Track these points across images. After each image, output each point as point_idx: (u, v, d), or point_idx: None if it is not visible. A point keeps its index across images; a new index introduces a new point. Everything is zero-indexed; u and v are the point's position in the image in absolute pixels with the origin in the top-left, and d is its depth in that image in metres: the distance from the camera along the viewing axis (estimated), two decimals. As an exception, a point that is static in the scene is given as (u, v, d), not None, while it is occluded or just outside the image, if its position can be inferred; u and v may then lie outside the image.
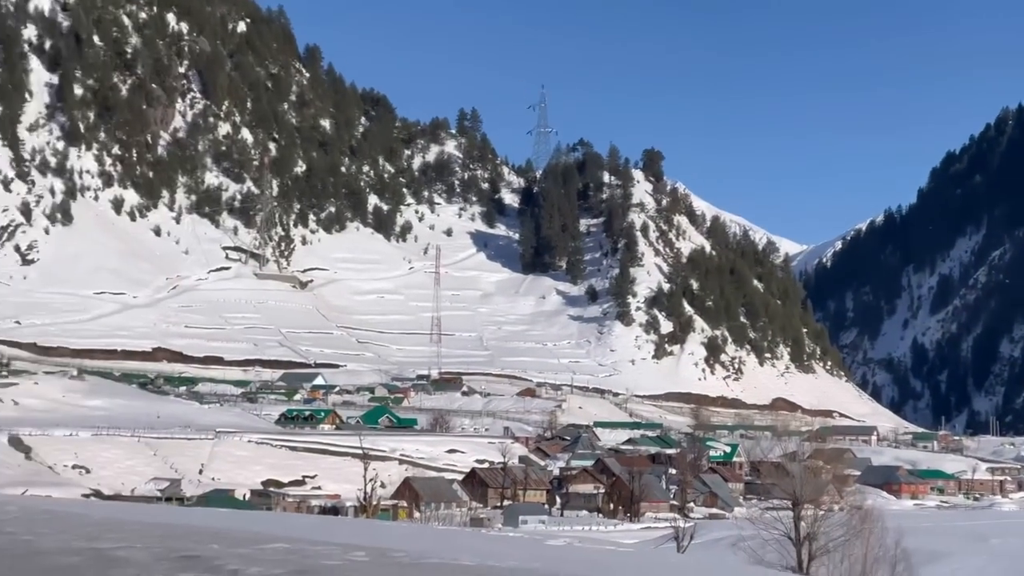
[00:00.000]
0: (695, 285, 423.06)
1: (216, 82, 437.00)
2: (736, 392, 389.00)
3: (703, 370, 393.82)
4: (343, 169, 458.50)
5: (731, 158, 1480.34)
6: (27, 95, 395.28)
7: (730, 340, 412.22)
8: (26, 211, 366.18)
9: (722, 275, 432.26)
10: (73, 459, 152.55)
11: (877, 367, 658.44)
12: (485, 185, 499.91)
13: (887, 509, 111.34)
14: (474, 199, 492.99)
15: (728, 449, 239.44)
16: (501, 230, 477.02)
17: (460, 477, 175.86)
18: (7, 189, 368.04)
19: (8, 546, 13.94)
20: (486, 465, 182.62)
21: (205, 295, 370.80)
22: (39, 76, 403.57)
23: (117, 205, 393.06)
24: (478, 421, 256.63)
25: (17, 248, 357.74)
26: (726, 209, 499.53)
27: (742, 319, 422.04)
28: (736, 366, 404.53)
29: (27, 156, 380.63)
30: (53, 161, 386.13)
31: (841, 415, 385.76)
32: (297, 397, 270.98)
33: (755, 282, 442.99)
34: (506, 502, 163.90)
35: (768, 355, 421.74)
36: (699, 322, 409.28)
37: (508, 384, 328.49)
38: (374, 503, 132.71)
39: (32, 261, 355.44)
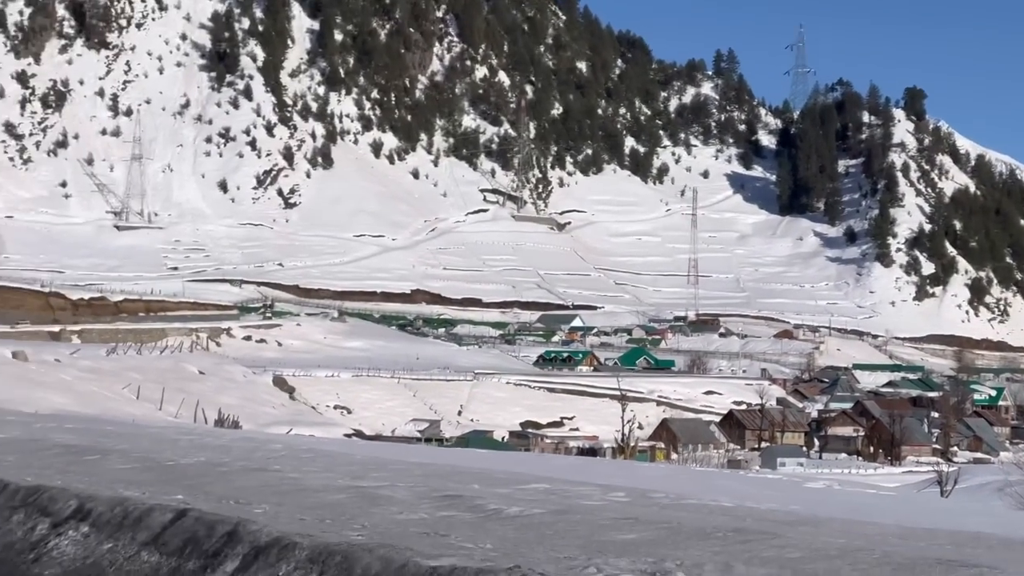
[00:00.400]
0: (958, 226, 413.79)
1: (473, 26, 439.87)
2: (1002, 334, 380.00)
3: (967, 312, 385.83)
4: (599, 111, 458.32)
5: (998, 96, 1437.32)
6: (289, 42, 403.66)
7: (995, 282, 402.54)
8: (288, 155, 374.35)
9: (987, 215, 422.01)
10: (335, 399, 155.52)
11: None
12: (742, 127, 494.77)
13: None
14: (731, 141, 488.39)
15: (993, 393, 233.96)
16: (758, 172, 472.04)
17: (717, 419, 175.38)
18: (270, 134, 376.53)
19: (275, 483, 14.20)
20: (743, 407, 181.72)
21: (463, 237, 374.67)
22: (301, 23, 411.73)
23: (376, 148, 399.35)
24: (735, 362, 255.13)
25: (280, 192, 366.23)
26: (992, 148, 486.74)
27: (1008, 260, 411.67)
28: (1002, 308, 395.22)
29: (289, 101, 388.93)
30: (314, 106, 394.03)
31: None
32: (555, 339, 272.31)
33: (1023, 222, 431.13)
34: (763, 444, 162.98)
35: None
36: (962, 263, 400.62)
37: (765, 326, 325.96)
38: (632, 444, 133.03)
39: (294, 204, 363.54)
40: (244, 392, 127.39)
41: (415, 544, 9.73)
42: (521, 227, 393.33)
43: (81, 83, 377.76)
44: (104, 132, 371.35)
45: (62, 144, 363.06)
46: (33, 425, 25.74)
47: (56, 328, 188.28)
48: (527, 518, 11.45)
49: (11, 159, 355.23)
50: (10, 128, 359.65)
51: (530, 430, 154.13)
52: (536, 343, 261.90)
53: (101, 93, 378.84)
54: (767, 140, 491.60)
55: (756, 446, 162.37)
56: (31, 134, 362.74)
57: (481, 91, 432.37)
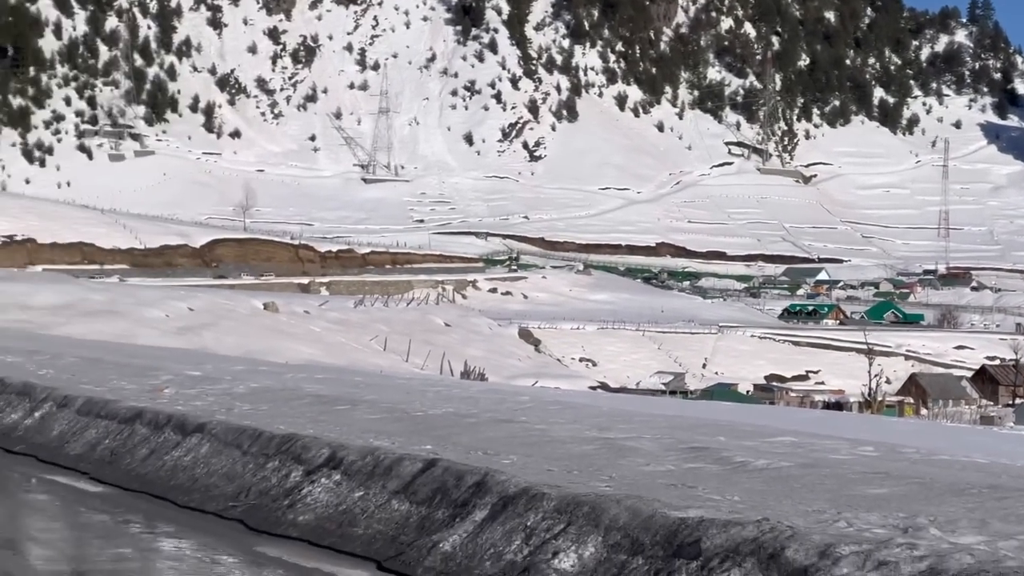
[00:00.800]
0: None
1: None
2: None
3: None
4: (847, 62, 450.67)
5: None
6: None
7: None
8: (533, 108, 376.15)
9: None
10: (580, 352, 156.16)
11: None
12: (997, 75, 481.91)
13: None
14: (985, 90, 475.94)
15: None
16: (1014, 121, 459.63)
17: (969, 374, 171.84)
18: (515, 87, 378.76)
19: (522, 434, 14.30)
20: (997, 362, 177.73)
21: (708, 190, 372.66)
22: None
23: (621, 101, 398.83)
24: (988, 317, 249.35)
25: (525, 145, 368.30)
26: None
27: None
28: None
29: (534, 55, 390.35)
30: (559, 59, 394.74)
31: None
32: (800, 292, 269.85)
33: None
34: (1018, 400, 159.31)
35: None
36: None
37: (1020, 279, 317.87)
38: (879, 399, 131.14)
39: (539, 157, 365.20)
40: (490, 344, 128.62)
41: (662, 495, 9.72)
42: (766, 180, 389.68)
43: (330, 38, 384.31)
44: (352, 86, 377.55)
45: (311, 99, 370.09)
46: (284, 375, 26.33)
47: (305, 280, 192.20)
48: (774, 471, 11.37)
49: (262, 114, 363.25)
50: (262, 83, 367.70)
51: (774, 383, 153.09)
52: (781, 296, 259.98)
53: (349, 48, 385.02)
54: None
55: (1010, 402, 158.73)
56: (281, 89, 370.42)
57: (726, 43, 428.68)
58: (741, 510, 9.05)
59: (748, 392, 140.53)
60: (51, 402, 19.98)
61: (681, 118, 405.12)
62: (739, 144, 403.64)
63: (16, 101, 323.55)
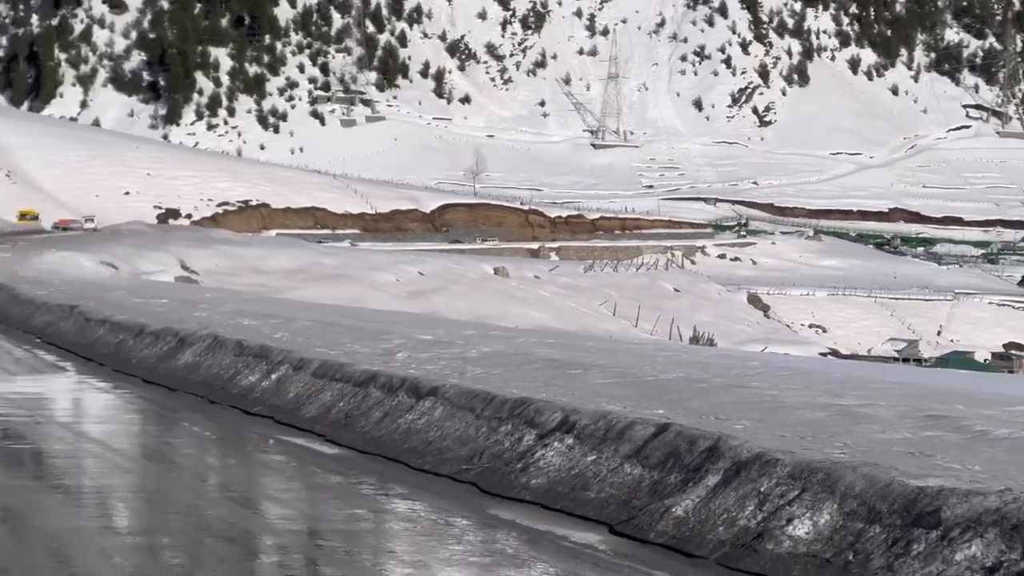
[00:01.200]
0: None
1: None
2: None
3: None
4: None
5: None
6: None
7: None
8: (763, 73, 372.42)
9: None
10: (810, 318, 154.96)
11: None
12: None
13: None
14: None
15: None
16: None
17: None
18: (745, 52, 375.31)
19: (754, 399, 14.21)
20: None
21: (943, 154, 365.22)
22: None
23: (853, 65, 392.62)
24: None
25: (755, 110, 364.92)
26: None
27: None
28: None
29: (765, 18, 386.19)
30: (790, 23, 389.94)
31: None
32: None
33: None
34: None
35: None
36: None
37: None
38: None
39: (769, 122, 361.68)
40: (718, 310, 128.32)
41: (899, 463, 9.58)
42: (1006, 144, 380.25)
43: (559, 4, 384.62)
44: (581, 52, 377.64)
45: (540, 64, 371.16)
46: (515, 339, 26.50)
47: (535, 245, 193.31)
48: (1017, 440, 11.13)
49: (492, 80, 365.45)
50: (491, 49, 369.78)
51: (1014, 352, 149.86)
52: (1021, 263, 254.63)
53: (579, 13, 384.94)
54: None
55: None
56: (511, 55, 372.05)
57: (965, 3, 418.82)
58: (982, 480, 8.87)
59: (986, 360, 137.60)
60: (287, 365, 20.38)
61: (916, 81, 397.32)
62: (977, 107, 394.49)
63: (252, 69, 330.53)
